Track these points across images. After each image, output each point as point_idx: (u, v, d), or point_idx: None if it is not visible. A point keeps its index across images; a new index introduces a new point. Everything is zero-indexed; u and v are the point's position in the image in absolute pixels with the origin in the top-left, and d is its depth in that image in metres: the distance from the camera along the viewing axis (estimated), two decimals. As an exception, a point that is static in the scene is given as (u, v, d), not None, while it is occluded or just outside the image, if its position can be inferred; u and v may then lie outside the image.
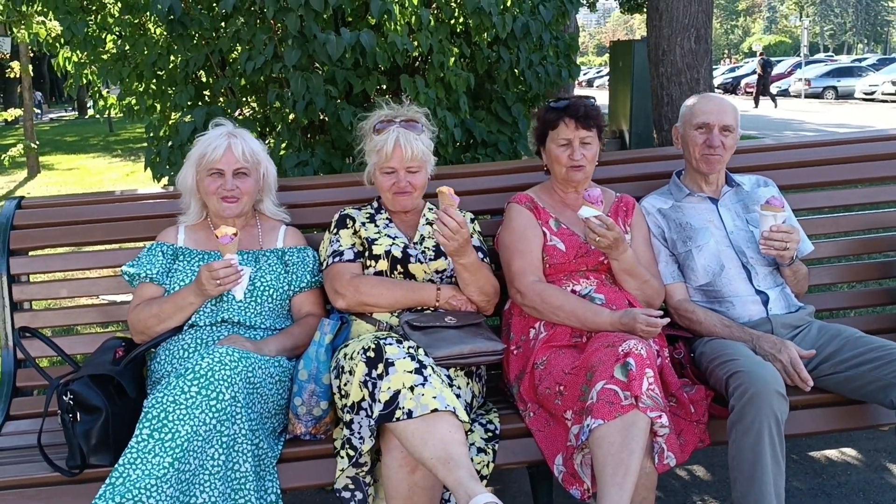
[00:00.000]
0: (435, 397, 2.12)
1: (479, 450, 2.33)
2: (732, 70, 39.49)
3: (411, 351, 2.24)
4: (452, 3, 4.24)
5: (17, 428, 2.72)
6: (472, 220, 2.86)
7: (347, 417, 2.23)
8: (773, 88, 31.67)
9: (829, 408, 2.55)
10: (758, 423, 2.21)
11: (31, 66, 13.01)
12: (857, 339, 2.51)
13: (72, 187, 12.05)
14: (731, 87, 33.76)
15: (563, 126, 2.69)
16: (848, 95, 28.47)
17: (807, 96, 29.25)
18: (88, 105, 33.11)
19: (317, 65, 4.17)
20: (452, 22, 4.35)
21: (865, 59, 39.24)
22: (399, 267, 2.62)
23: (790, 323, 2.66)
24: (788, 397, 2.28)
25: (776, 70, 34.95)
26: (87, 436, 2.22)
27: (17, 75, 12.20)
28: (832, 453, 3.23)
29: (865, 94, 27.23)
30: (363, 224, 2.72)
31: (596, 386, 2.20)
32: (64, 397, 2.24)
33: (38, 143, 13.79)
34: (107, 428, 2.23)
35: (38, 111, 33.96)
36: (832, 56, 51.02)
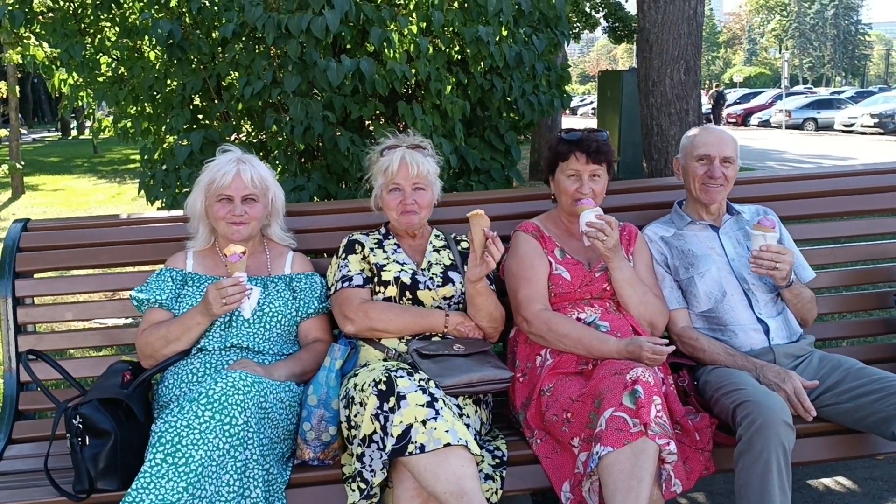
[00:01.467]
0: (447, 431, 2.12)
1: (487, 476, 2.33)
2: (713, 100, 39.95)
3: (423, 384, 2.24)
4: (450, 33, 4.29)
5: (21, 452, 2.69)
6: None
7: (358, 450, 2.23)
8: (755, 119, 32.25)
9: (830, 436, 2.58)
10: (766, 453, 2.23)
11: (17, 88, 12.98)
12: (859, 371, 2.55)
13: (57, 209, 11.98)
14: (714, 117, 34.20)
15: (574, 159, 2.72)
16: (827, 127, 28.92)
17: (787, 127, 29.68)
18: (72, 126, 33.00)
19: (315, 91, 4.20)
20: (449, 50, 4.40)
21: (844, 91, 40.00)
22: (408, 293, 2.63)
23: (792, 353, 2.69)
24: (794, 426, 2.30)
25: (757, 101, 35.55)
26: (95, 460, 2.21)
27: (4, 96, 12.16)
28: (829, 482, 3.25)
29: (845, 125, 27.66)
30: (371, 250, 2.74)
31: (605, 413, 2.21)
32: (73, 421, 2.23)
33: (23, 163, 13.71)
34: (115, 452, 2.22)
35: (24, 131, 33.78)
36: (811, 88, 51.94)
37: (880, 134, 25.41)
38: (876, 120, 26.08)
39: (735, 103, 36.95)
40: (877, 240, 3.38)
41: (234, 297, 2.39)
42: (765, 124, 31.92)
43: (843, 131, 27.46)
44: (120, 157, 22.32)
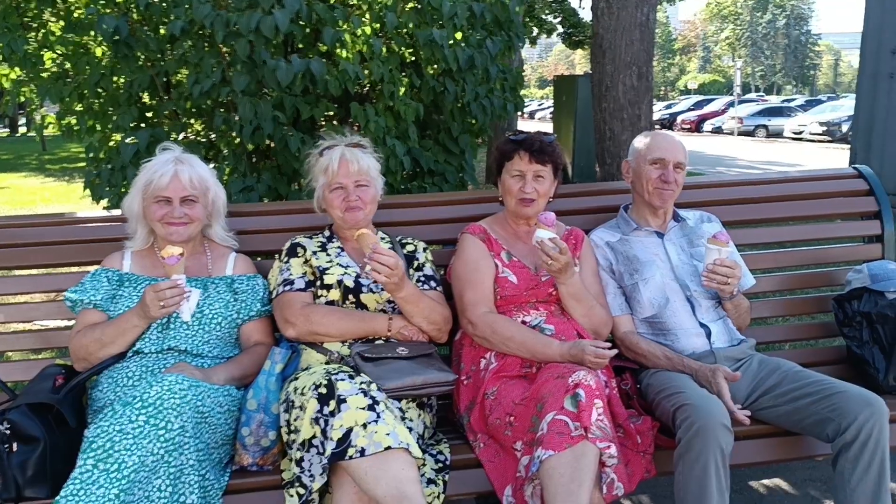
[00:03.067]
0: (388, 434, 2.10)
1: (430, 481, 2.31)
2: (669, 106, 40.62)
3: (363, 387, 2.22)
4: (404, 34, 4.27)
5: (-55, 459, 2.58)
6: (425, 249, 2.87)
7: (298, 455, 2.19)
8: (708, 125, 32.81)
9: (769, 438, 2.62)
10: (704, 455, 2.25)
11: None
12: (796, 374, 2.59)
13: (2, 208, 11.66)
14: (668, 123, 34.73)
15: (518, 158, 2.73)
16: (778, 134, 29.54)
17: (739, 134, 30.24)
18: (21, 123, 32.22)
19: (265, 90, 4.15)
20: (403, 52, 4.38)
21: (794, 99, 40.88)
22: (351, 296, 2.60)
23: (732, 356, 2.72)
24: (733, 429, 2.33)
25: (710, 108, 36.18)
26: (23, 467, 2.14)
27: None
28: (769, 483, 3.30)
29: (794, 133, 28.27)
30: (314, 253, 2.70)
31: (546, 417, 2.21)
32: (0, 426, 2.16)
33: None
34: (44, 459, 2.15)
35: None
36: (763, 96, 53.01)
37: (828, 141, 26.01)
38: (824, 128, 26.72)
39: (689, 110, 37.57)
40: (818, 244, 3.45)
41: (173, 299, 2.34)
42: (717, 131, 32.49)
43: (793, 138, 28.07)
44: (69, 155, 21.83)
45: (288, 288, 2.62)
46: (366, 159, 2.73)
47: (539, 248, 2.54)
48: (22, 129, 32.23)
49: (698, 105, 38.69)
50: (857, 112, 8.97)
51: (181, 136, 4.41)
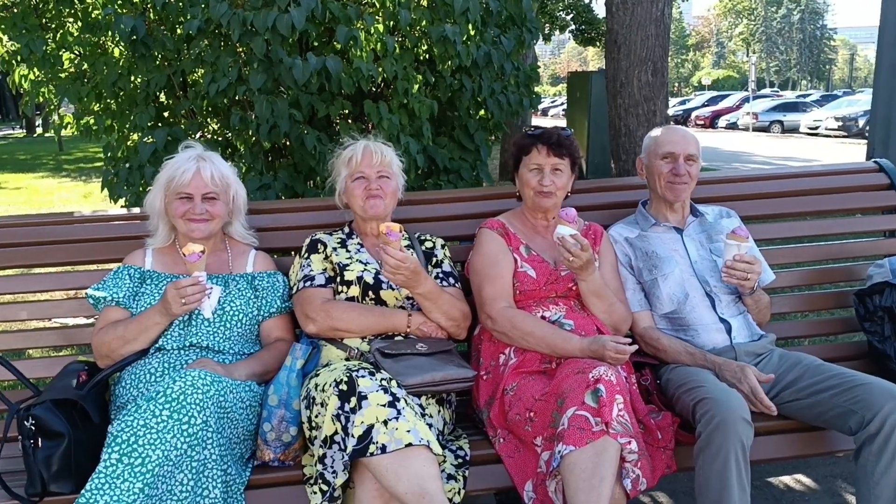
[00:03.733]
0: (409, 431, 2.10)
1: (450, 476, 2.32)
2: (683, 103, 40.44)
3: (384, 383, 2.22)
4: (417, 31, 4.28)
5: (-29, 455, 2.61)
6: (443, 246, 2.88)
7: (320, 452, 2.20)
8: (722, 121, 32.66)
9: (790, 434, 2.61)
10: (724, 449, 2.25)
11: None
12: (817, 367, 2.58)
13: (20, 206, 11.76)
14: (682, 119, 34.57)
15: (536, 152, 2.74)
16: (793, 129, 29.36)
17: (754, 129, 30.07)
18: (37, 124, 32.43)
19: (281, 89, 4.17)
20: (417, 49, 4.39)
21: (809, 94, 40.61)
22: (371, 293, 2.61)
23: (753, 351, 2.71)
24: (754, 423, 2.32)
25: (724, 103, 36.00)
26: (48, 462, 2.16)
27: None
28: (790, 479, 3.29)
29: (810, 128, 28.10)
30: (334, 249, 2.71)
31: (567, 412, 2.21)
32: (25, 422, 2.18)
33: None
34: (69, 454, 2.17)
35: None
36: (778, 91, 52.65)
37: (844, 137, 25.83)
38: (840, 123, 26.55)
39: (703, 106, 37.39)
40: (838, 239, 3.43)
41: (194, 296, 2.36)
42: (732, 126, 32.32)
43: (809, 134, 27.90)
44: (86, 155, 21.98)
45: (308, 284, 2.63)
46: (389, 153, 2.78)
47: (560, 245, 2.54)
48: (38, 130, 32.45)
49: (712, 101, 38.50)
50: (875, 106, 8.90)
51: (198, 135, 4.44)
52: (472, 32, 4.25)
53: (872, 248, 3.36)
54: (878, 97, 8.78)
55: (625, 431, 2.19)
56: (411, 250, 2.79)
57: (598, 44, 17.59)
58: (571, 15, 17.60)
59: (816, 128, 27.66)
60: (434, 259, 2.79)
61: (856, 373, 2.48)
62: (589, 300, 2.68)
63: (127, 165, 4.35)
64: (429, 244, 2.84)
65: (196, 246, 2.40)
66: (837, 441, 2.59)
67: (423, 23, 4.13)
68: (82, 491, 1.99)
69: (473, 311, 2.74)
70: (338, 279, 2.65)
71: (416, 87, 4.25)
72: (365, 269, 2.65)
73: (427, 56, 4.46)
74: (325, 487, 2.18)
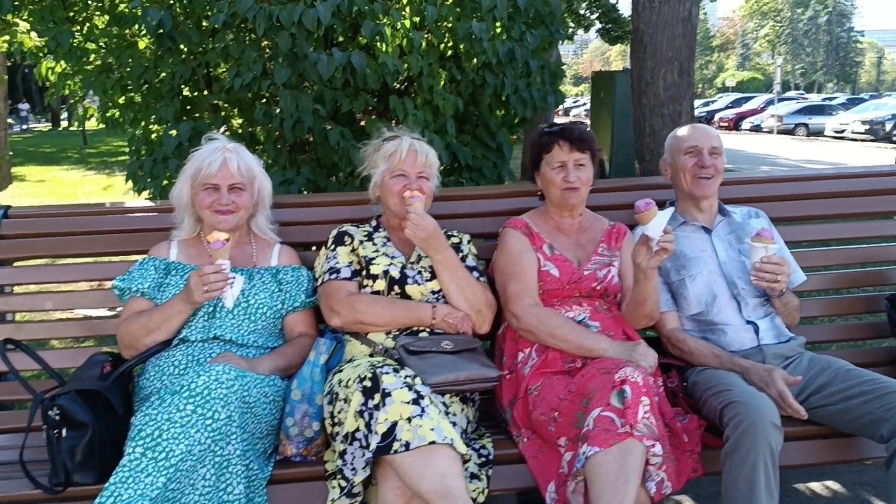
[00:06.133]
0: (433, 429, 2.08)
1: (473, 475, 2.30)
2: (707, 104, 40.17)
3: (408, 380, 2.20)
4: (444, 28, 4.26)
5: (-3, 443, 2.63)
6: (469, 241, 2.86)
7: (341, 447, 2.19)
8: (746, 123, 32.42)
9: (819, 440, 2.56)
10: (753, 454, 2.21)
11: (6, 77, 12.87)
12: (847, 372, 2.53)
13: (44, 199, 11.88)
14: (706, 121, 34.33)
15: (558, 149, 2.72)
16: (818, 133, 29.04)
17: (779, 132, 29.79)
18: (62, 117, 32.80)
19: (306, 83, 4.16)
20: (443, 46, 4.37)
21: (835, 97, 40.21)
22: (396, 287, 2.60)
23: (781, 353, 2.67)
24: (783, 427, 2.28)
25: (749, 105, 35.73)
26: (72, 452, 2.16)
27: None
28: (817, 486, 3.23)
29: (836, 132, 27.77)
30: (361, 242, 2.70)
31: (592, 413, 2.18)
32: (50, 412, 2.18)
33: (10, 153, 13.61)
34: (93, 445, 2.17)
35: (22, 125, 33.62)
36: (803, 94, 52.18)
37: (871, 141, 25.50)
38: (867, 126, 26.20)
39: (727, 107, 37.12)
40: (869, 243, 3.36)
41: (217, 284, 2.34)
42: (756, 129, 32.06)
43: (834, 137, 27.57)
44: (111, 148, 22.18)
45: (334, 276, 2.61)
46: (433, 155, 2.77)
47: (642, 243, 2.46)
48: (63, 124, 32.81)
49: (737, 103, 38.23)
50: (905, 109, 8.78)
51: (222, 129, 4.44)
52: (499, 30, 4.22)
53: (905, 251, 3.29)
54: (908, 101, 8.65)
55: (650, 434, 2.16)
56: None
57: (624, 42, 17.48)
58: (597, 14, 17.50)
59: (842, 131, 27.33)
60: (459, 254, 2.76)
61: (888, 379, 2.43)
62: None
63: (151, 158, 4.36)
64: (455, 240, 2.82)
65: (221, 234, 2.39)
66: (868, 448, 2.54)
67: (450, 19, 4.10)
68: (106, 484, 1.98)
69: (499, 310, 2.71)
70: (363, 273, 2.63)
71: (441, 83, 4.23)
72: (391, 263, 2.63)
73: (453, 52, 4.44)
74: (344, 483, 2.16)
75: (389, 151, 2.73)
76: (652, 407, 2.20)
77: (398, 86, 4.47)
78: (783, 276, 2.58)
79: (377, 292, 2.60)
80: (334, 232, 2.76)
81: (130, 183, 4.49)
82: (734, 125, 33.51)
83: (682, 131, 2.91)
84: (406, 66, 4.01)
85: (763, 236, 2.59)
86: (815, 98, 41.17)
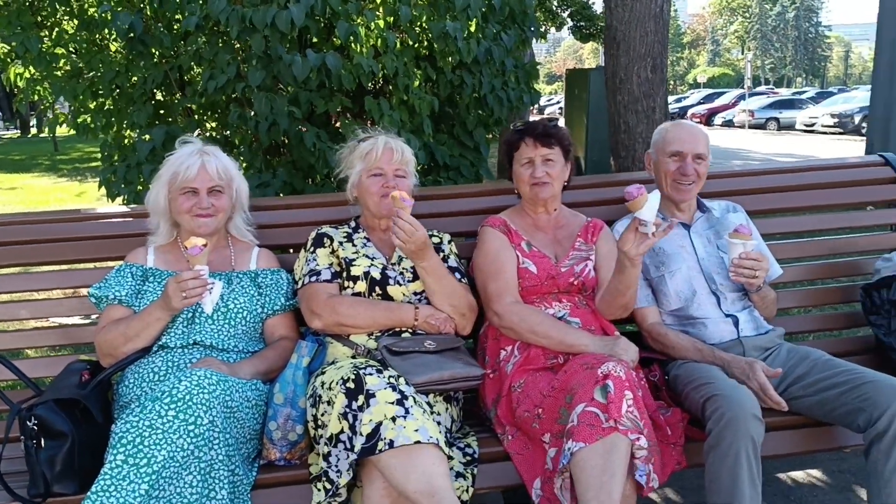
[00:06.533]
0: (417, 430, 2.07)
1: (458, 474, 2.29)
2: (679, 100, 40.46)
3: (392, 381, 2.19)
4: (418, 28, 4.25)
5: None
6: (450, 242, 2.86)
7: (325, 450, 2.17)
8: (718, 119, 32.68)
9: (799, 430, 2.59)
10: (735, 447, 2.22)
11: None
12: (826, 363, 2.55)
13: (15, 207, 11.70)
14: (679, 117, 34.55)
15: (525, 146, 2.75)
16: (789, 127, 29.37)
17: (750, 127, 30.08)
18: (32, 124, 32.34)
19: (280, 86, 4.13)
20: (417, 46, 4.36)
21: (805, 91, 40.63)
22: (378, 289, 2.58)
23: (761, 345, 2.69)
24: (764, 419, 2.30)
25: (720, 101, 36.03)
26: (51, 463, 2.13)
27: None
28: (799, 475, 3.27)
29: (806, 125, 28.11)
30: (341, 244, 2.68)
31: (576, 408, 2.19)
32: (28, 422, 2.15)
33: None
34: (72, 454, 2.14)
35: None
36: (773, 88, 52.72)
37: (840, 133, 25.85)
38: (836, 120, 26.54)
39: (699, 103, 37.40)
40: (843, 234, 3.41)
41: (195, 290, 2.31)
42: (728, 124, 32.33)
43: (805, 131, 27.91)
44: (82, 154, 21.91)
45: (314, 279, 2.60)
46: (408, 152, 2.76)
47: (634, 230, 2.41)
48: (33, 130, 32.36)
49: (708, 98, 38.49)
50: (873, 102, 8.90)
51: (196, 133, 4.40)
52: (473, 29, 4.22)
53: (878, 242, 3.34)
54: (877, 95, 8.79)
55: (634, 428, 2.17)
56: None
57: (597, 39, 17.56)
58: (569, 12, 17.57)
59: (812, 125, 27.68)
60: (441, 254, 2.75)
61: (864, 369, 2.46)
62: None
63: (125, 163, 4.31)
64: (436, 239, 2.81)
65: (198, 239, 2.36)
66: (847, 437, 2.57)
67: (424, 18, 4.10)
68: (88, 493, 1.95)
69: (480, 308, 2.71)
70: (344, 274, 2.62)
71: (417, 83, 4.22)
72: (372, 265, 2.62)
73: (427, 52, 4.43)
74: (328, 486, 2.15)
75: (365, 150, 2.71)
76: (635, 400, 2.21)
77: (373, 86, 4.46)
78: (761, 271, 2.60)
79: (358, 294, 2.58)
80: (313, 234, 2.74)
81: (104, 189, 4.44)
82: (706, 121, 33.73)
83: (670, 131, 2.89)
84: (381, 66, 4.00)
85: (741, 232, 2.61)
86: (785, 92, 41.62)
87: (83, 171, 17.26)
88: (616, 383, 2.19)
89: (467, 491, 2.29)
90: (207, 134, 4.52)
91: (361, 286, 2.58)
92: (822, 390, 2.47)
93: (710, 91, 44.05)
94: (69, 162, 20.21)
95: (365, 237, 2.74)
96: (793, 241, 3.38)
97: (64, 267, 3.14)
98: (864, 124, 24.03)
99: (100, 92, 4.45)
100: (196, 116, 4.46)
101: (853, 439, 2.55)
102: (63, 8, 4.52)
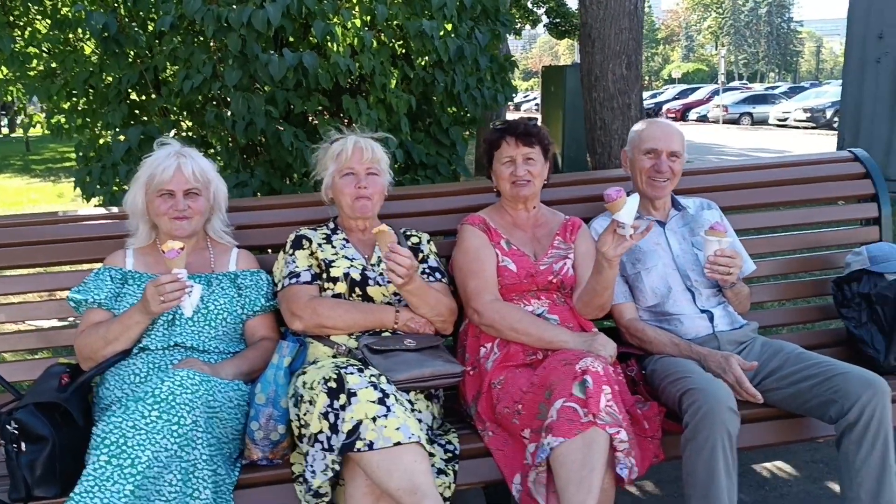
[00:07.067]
0: (398, 428, 2.09)
1: (440, 471, 2.31)
2: (654, 96, 40.72)
3: (373, 379, 2.21)
4: (395, 26, 4.26)
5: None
6: (429, 241, 2.87)
7: (305, 449, 2.19)
8: (693, 114, 32.96)
9: (773, 421, 2.64)
10: (711, 439, 2.26)
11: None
12: (798, 356, 2.61)
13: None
14: (654, 113, 34.81)
15: (506, 145, 2.78)
16: (763, 121, 29.69)
17: (724, 122, 30.36)
18: (3, 124, 31.87)
19: (257, 85, 4.13)
20: (394, 44, 4.36)
21: (778, 86, 41.07)
22: (357, 289, 2.59)
23: (735, 339, 2.74)
24: (739, 412, 2.34)
25: (695, 96, 36.32)
26: (31, 466, 2.12)
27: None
28: (773, 466, 3.33)
29: (779, 120, 28.42)
30: (320, 245, 2.69)
31: (555, 404, 2.21)
32: (8, 427, 2.14)
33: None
34: (53, 458, 2.13)
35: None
36: (746, 84, 53.25)
37: (812, 128, 26.17)
38: (808, 114, 26.89)
39: (674, 99, 37.69)
40: (814, 228, 3.47)
41: (173, 294, 2.30)
42: (703, 119, 32.62)
43: (778, 125, 28.22)
44: (55, 154, 21.65)
45: (294, 281, 2.60)
46: (379, 150, 2.75)
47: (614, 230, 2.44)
48: (4, 131, 31.91)
49: (683, 94, 38.83)
50: (844, 97, 9.03)
51: (172, 133, 4.38)
52: (449, 27, 4.23)
53: (849, 236, 3.41)
54: (847, 91, 8.92)
55: (613, 421, 2.20)
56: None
57: (572, 36, 17.64)
58: (544, 9, 17.63)
59: (785, 119, 27.99)
60: (420, 255, 2.77)
61: (835, 362, 2.51)
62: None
63: (100, 164, 4.28)
64: (415, 239, 2.83)
65: (175, 243, 2.35)
66: (819, 427, 2.63)
67: (400, 17, 4.10)
68: (71, 494, 1.95)
69: (459, 306, 2.73)
70: (324, 276, 2.62)
71: (394, 82, 4.23)
72: (351, 266, 2.63)
73: (404, 51, 4.44)
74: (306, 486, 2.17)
75: (336, 151, 2.72)
76: (614, 395, 2.24)
77: (350, 85, 4.46)
78: (735, 268, 2.65)
79: (338, 295, 2.59)
80: (292, 236, 2.74)
81: (79, 190, 4.40)
82: (681, 116, 34.04)
83: (645, 129, 2.92)
84: (358, 65, 4.00)
85: (717, 230, 2.65)
86: (758, 88, 42.00)
87: (56, 172, 17.06)
88: (594, 378, 2.23)
89: (449, 487, 2.31)
90: (184, 134, 4.49)
91: (342, 287, 2.59)
92: (794, 383, 2.53)
93: (685, 87, 44.44)
94: (42, 162, 19.96)
95: (344, 238, 2.75)
96: (766, 235, 3.43)
97: (41, 270, 3.11)
98: (835, 119, 24.37)
99: (74, 92, 4.41)
100: (172, 116, 4.43)
101: (825, 430, 2.61)
102: (36, 7, 4.47)
